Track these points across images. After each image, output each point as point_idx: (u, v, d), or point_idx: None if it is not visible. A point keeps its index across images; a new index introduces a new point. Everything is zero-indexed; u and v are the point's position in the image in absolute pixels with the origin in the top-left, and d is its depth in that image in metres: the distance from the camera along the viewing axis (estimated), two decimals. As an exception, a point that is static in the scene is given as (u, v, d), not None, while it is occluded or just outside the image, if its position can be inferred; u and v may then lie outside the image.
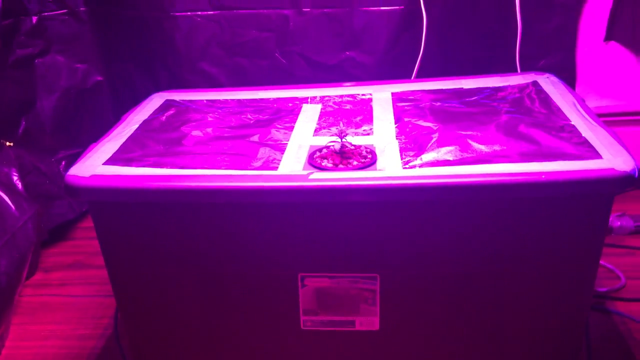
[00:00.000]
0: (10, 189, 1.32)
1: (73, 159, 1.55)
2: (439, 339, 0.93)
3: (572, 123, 0.93)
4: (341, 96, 1.16)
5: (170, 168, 0.88)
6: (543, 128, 0.93)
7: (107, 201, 0.87)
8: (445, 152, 0.89)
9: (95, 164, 0.89)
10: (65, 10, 1.49)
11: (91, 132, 1.59)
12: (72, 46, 1.52)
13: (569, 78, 1.47)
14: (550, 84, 1.09)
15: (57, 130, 1.52)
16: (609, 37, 1.47)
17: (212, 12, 1.46)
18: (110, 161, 0.91)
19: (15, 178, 1.38)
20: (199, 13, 1.46)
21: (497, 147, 0.89)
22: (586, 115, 0.94)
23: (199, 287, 0.92)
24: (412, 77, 1.41)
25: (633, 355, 1.06)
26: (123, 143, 0.97)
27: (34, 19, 1.43)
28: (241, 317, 0.94)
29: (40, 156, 1.49)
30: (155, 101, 1.16)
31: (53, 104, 1.49)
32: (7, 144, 1.41)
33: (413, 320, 0.92)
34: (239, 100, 1.17)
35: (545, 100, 1.03)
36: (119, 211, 0.88)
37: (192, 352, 0.99)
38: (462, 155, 0.87)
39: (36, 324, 1.28)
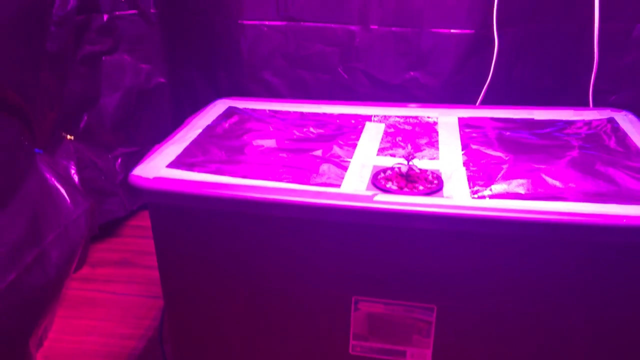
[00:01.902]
0: (67, 182, 1.33)
1: (130, 157, 1.58)
2: (493, 379, 0.89)
3: (653, 165, 0.88)
4: (405, 117, 1.14)
5: (232, 176, 0.87)
6: (621, 168, 0.88)
7: (167, 204, 0.86)
8: (516, 185, 0.85)
9: (158, 166, 0.89)
10: (136, 11, 1.51)
11: (149, 132, 1.61)
12: (139, 46, 1.54)
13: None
14: (628, 122, 1.04)
15: (117, 128, 1.54)
16: (687, 77, 1.40)
17: (279, 23, 1.45)
18: (174, 164, 0.90)
19: (72, 172, 1.40)
20: (267, 23, 1.46)
21: (572, 185, 0.85)
22: (669, 159, 0.89)
23: (249, 301, 0.90)
24: (477, 103, 1.37)
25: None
26: (186, 147, 0.97)
27: (105, 16, 1.45)
28: (290, 335, 0.91)
29: (98, 152, 1.51)
30: (219, 107, 1.16)
31: (115, 101, 1.51)
32: (68, 137, 1.43)
33: (467, 357, 0.88)
34: (301, 113, 1.16)
35: (623, 138, 0.98)
36: (178, 215, 0.87)
37: (234, 365, 0.97)
38: (535, 190, 0.84)
39: (79, 318, 1.29)
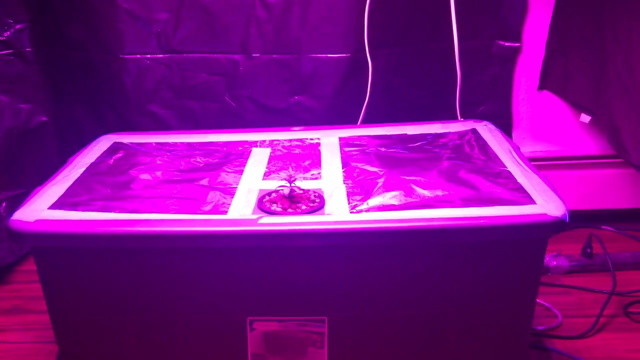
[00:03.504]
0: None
1: (14, 201, 1.52)
2: (386, 380, 0.94)
3: (508, 169, 0.98)
4: (290, 140, 1.19)
5: (119, 212, 0.88)
6: (481, 174, 0.98)
7: (52, 246, 0.86)
8: (390, 197, 0.92)
9: (40, 208, 0.88)
10: (11, 51, 1.47)
11: (34, 173, 1.56)
12: (16, 86, 1.49)
13: (505, 124, 1.55)
14: (487, 132, 1.15)
15: (-1, 171, 1.48)
16: (542, 86, 1.56)
17: (161, 55, 1.47)
18: (56, 205, 0.90)
19: (-48, 220, 1.33)
20: (149, 56, 1.47)
21: (439, 192, 0.93)
22: (521, 162, 1.00)
23: (146, 333, 0.91)
24: (359, 122, 1.45)
25: (570, 392, 1.10)
26: (69, 187, 0.96)
27: (-22, 58, 1.40)
28: (188, 363, 0.93)
29: (-21, 197, 1.45)
30: (103, 144, 1.15)
31: (-5, 144, 1.46)
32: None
33: (360, 362, 0.93)
34: (188, 144, 1.18)
35: (484, 147, 1.09)
36: (64, 256, 0.86)
37: (137, 400, 0.96)
38: (406, 200, 0.91)
39: (-30, 373, 1.22)
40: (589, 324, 1.27)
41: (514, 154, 1.04)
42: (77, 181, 0.98)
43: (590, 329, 1.26)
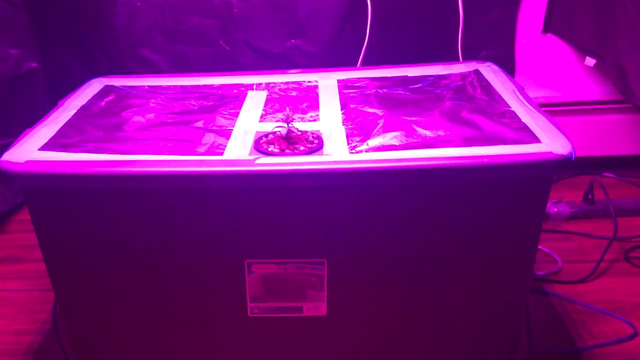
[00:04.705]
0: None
1: (5, 149, 1.48)
2: (386, 322, 0.94)
3: (512, 109, 0.96)
4: (287, 83, 1.15)
5: (111, 154, 0.85)
6: (484, 114, 0.95)
7: (43, 188, 0.83)
8: (390, 137, 0.89)
9: (30, 150, 0.86)
10: (-4, -7, 1.42)
11: (25, 120, 1.50)
12: (4, 31, 1.44)
13: (508, 68, 1.51)
14: (491, 72, 1.12)
15: (-12, 119, 1.44)
16: (546, 29, 1.52)
17: (153, -3, 1.42)
18: (47, 147, 0.87)
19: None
20: (140, -3, 1.42)
21: (441, 132, 0.90)
22: (525, 102, 0.97)
23: (142, 276, 0.89)
24: (358, 66, 1.41)
25: (571, 336, 1.10)
26: (60, 128, 0.93)
27: (-38, 1, 1.35)
28: (186, 306, 0.92)
29: (-31, 146, 1.42)
30: (94, 86, 1.12)
31: (-16, 91, 1.42)
32: None
33: (360, 305, 0.92)
34: (182, 87, 1.15)
35: (487, 87, 1.06)
36: (56, 198, 0.84)
37: (134, 343, 0.96)
38: (407, 140, 0.88)
39: (-33, 320, 1.22)
40: (589, 269, 1.27)
41: (518, 94, 1.01)
42: (68, 123, 0.95)
43: (591, 273, 1.26)
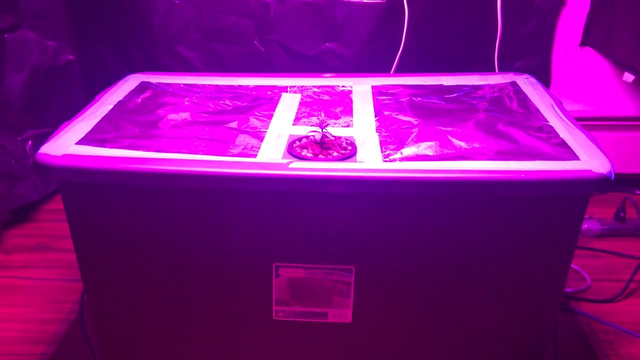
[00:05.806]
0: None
1: (40, 139, 1.51)
2: (411, 333, 0.93)
3: (550, 124, 0.94)
4: (321, 87, 1.15)
5: (146, 151, 0.86)
6: (521, 127, 0.93)
7: (79, 182, 0.84)
8: (425, 147, 0.89)
9: (67, 143, 0.87)
10: (38, -15, 1.44)
11: (60, 112, 1.55)
12: (43, 22, 1.47)
13: (543, 80, 1.48)
14: (528, 85, 1.10)
15: (25, 109, 1.47)
16: (584, 42, 1.49)
17: (191, -5, 1.43)
18: (84, 141, 0.88)
19: (-22, 156, 1.33)
20: (178, -5, 1.43)
21: (476, 144, 0.89)
22: (564, 117, 0.96)
23: (171, 274, 0.90)
24: (392, 72, 1.41)
25: (597, 356, 1.08)
26: (97, 123, 0.94)
27: (4, -9, 1.38)
28: (212, 306, 0.92)
29: (6, 135, 1.44)
30: (131, 82, 1.13)
31: (22, 81, 1.44)
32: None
33: (386, 314, 0.92)
34: (217, 86, 1.15)
35: (524, 100, 1.04)
36: (90, 193, 0.85)
37: (158, 340, 0.97)
38: (442, 151, 0.88)
39: (-5, 306, 1.24)
40: (617, 288, 1.25)
41: (556, 108, 0.99)
42: (105, 118, 0.96)
43: (620, 293, 1.24)
